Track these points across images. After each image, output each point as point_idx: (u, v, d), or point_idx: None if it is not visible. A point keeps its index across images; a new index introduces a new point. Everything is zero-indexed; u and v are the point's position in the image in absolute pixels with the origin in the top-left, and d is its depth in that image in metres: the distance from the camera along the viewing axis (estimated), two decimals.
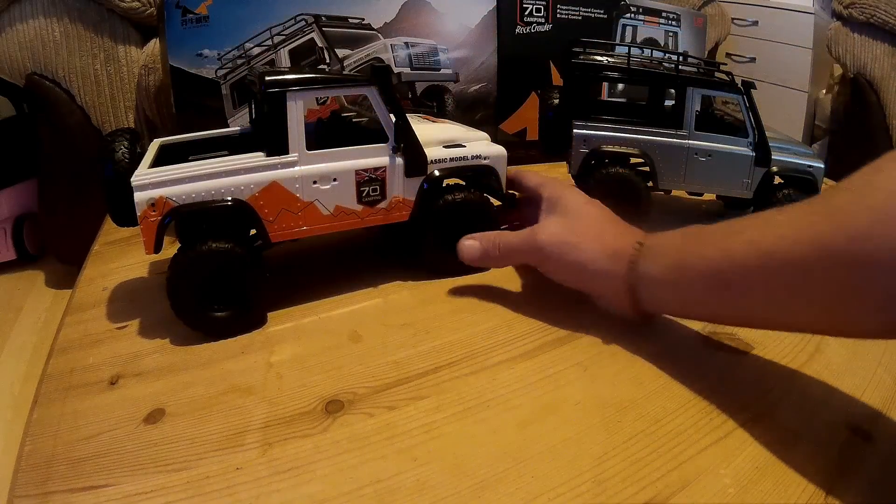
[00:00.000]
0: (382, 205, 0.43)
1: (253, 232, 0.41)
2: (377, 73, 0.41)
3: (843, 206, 0.29)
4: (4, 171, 1.26)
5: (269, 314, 0.42)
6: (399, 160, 0.43)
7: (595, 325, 0.42)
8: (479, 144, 0.47)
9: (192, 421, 0.33)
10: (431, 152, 0.44)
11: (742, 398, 0.35)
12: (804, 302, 0.31)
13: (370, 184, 0.42)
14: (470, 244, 0.45)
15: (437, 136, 0.46)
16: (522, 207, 0.50)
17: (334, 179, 0.41)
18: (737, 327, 0.40)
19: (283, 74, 0.40)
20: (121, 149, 0.40)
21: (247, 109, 0.58)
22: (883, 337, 0.32)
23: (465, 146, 0.46)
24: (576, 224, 0.42)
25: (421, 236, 0.46)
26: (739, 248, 0.33)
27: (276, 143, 0.39)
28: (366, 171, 0.42)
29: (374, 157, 0.42)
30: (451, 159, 0.45)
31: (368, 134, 0.43)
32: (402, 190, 0.44)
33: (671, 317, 0.42)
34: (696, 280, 0.35)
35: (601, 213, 0.43)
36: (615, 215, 0.43)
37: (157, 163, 0.40)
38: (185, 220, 0.39)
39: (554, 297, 0.45)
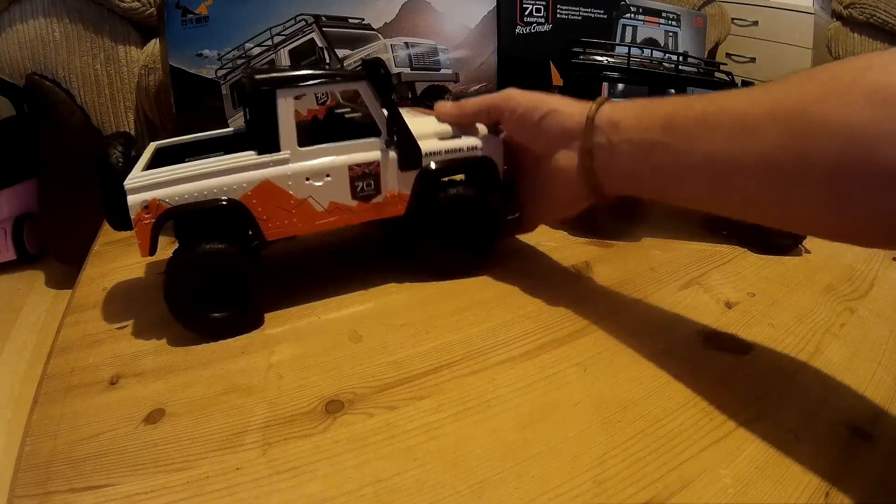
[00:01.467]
0: (377, 199, 0.43)
1: (251, 232, 0.41)
2: (368, 66, 0.41)
3: (797, 79, 0.30)
4: (4, 171, 1.26)
5: (269, 315, 0.42)
6: (393, 154, 0.43)
7: (595, 325, 0.42)
8: (474, 135, 0.47)
9: (192, 421, 0.33)
10: (426, 145, 0.44)
11: (742, 398, 0.35)
12: (750, 167, 0.31)
13: (364, 179, 0.42)
14: (445, 103, 0.47)
15: (433, 129, 0.46)
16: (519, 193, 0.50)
17: (327, 175, 0.41)
18: (686, 206, 0.37)
19: (272, 72, 0.40)
20: (115, 153, 0.40)
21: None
22: (834, 236, 0.31)
23: (460, 137, 0.46)
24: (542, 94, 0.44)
25: (418, 233, 0.46)
26: (698, 102, 0.34)
27: (267, 141, 0.39)
28: (359, 165, 0.42)
29: (367, 151, 0.42)
30: (447, 151, 0.45)
31: (363, 129, 0.43)
32: (397, 184, 0.43)
33: (690, 308, 0.42)
34: (654, 128, 0.36)
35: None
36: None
37: (151, 165, 0.40)
38: (182, 221, 0.39)
39: (554, 297, 0.45)
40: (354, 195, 0.42)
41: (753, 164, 0.31)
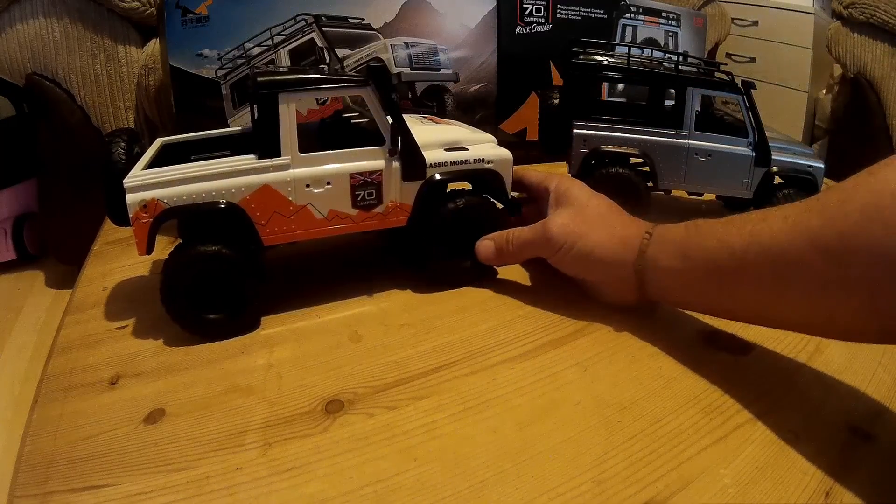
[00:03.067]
0: (378, 209, 0.42)
1: (248, 236, 0.41)
2: (373, 72, 0.41)
3: (835, 204, 0.30)
4: (4, 171, 1.26)
5: (270, 316, 0.42)
6: (396, 163, 0.42)
7: (595, 326, 0.42)
8: (483, 147, 0.46)
9: (192, 421, 0.33)
10: (431, 155, 0.43)
11: (742, 398, 0.35)
12: (796, 296, 0.32)
13: (365, 187, 0.41)
14: (486, 244, 0.46)
15: (439, 139, 0.45)
16: (528, 206, 0.50)
17: (328, 183, 0.40)
18: (735, 321, 0.41)
19: (276, 75, 0.39)
20: (117, 149, 0.40)
21: (247, 109, 0.58)
22: (878, 341, 0.32)
23: (467, 149, 0.45)
24: (585, 214, 0.43)
25: (423, 246, 0.45)
26: (737, 240, 0.34)
27: (268, 146, 0.39)
28: (361, 174, 0.41)
29: (370, 160, 0.41)
30: (452, 163, 0.44)
31: (368, 136, 0.42)
32: (399, 194, 0.43)
33: (673, 308, 0.43)
34: (697, 269, 0.37)
35: (608, 204, 0.44)
36: (620, 207, 0.45)
37: (156, 162, 0.40)
38: (184, 221, 0.39)
39: (554, 297, 0.45)
40: (355, 204, 0.42)
41: (799, 294, 0.32)
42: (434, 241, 0.45)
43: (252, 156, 0.39)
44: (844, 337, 0.34)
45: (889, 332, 0.30)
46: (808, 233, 0.31)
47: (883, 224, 0.28)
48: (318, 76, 0.40)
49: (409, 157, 0.42)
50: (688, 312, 0.44)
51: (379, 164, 0.42)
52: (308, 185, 0.40)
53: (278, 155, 0.39)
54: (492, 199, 0.47)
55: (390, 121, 0.41)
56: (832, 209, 0.30)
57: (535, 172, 0.49)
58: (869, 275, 0.28)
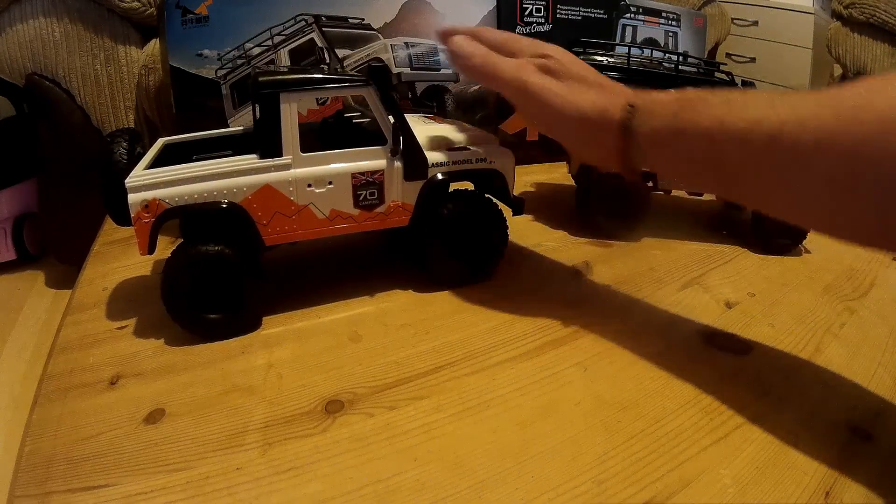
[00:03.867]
0: (380, 209, 0.42)
1: (250, 236, 0.41)
2: (374, 73, 0.41)
3: (850, 108, 0.29)
4: (4, 171, 1.26)
5: (270, 316, 0.42)
6: (398, 163, 0.42)
7: (595, 326, 0.42)
8: (484, 147, 0.46)
9: (192, 421, 0.33)
10: (433, 155, 0.43)
11: (742, 398, 0.35)
12: (799, 190, 0.31)
13: (367, 187, 0.41)
14: (464, 44, 0.42)
15: (441, 138, 0.45)
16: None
17: (330, 183, 0.40)
18: (729, 200, 0.38)
19: (277, 75, 0.39)
20: (119, 149, 0.40)
21: (247, 109, 0.58)
22: (877, 244, 0.31)
23: (469, 149, 0.45)
24: (563, 72, 0.40)
25: (424, 246, 0.45)
26: (740, 124, 0.32)
27: (269, 145, 0.39)
28: (362, 174, 0.41)
29: (372, 159, 0.41)
30: (454, 162, 0.44)
31: (370, 136, 0.42)
32: (401, 194, 0.43)
33: (673, 308, 0.42)
34: (693, 150, 0.34)
35: (586, 68, 0.41)
36: (597, 72, 0.42)
37: (158, 162, 0.40)
38: (186, 221, 0.39)
39: (554, 297, 0.45)
40: (357, 204, 0.42)
41: (801, 189, 0.30)
42: (435, 241, 0.45)
43: (254, 156, 0.39)
44: (839, 235, 0.32)
45: (888, 238, 0.30)
46: (821, 130, 0.29)
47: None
48: (320, 76, 0.40)
49: (411, 156, 0.42)
50: (687, 314, 0.44)
51: (381, 163, 0.42)
52: (310, 185, 0.40)
53: (280, 155, 0.39)
54: (494, 199, 0.47)
55: (392, 120, 0.41)
56: (847, 112, 0.29)
57: (491, 31, 0.45)
58: (879, 182, 0.28)
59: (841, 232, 0.32)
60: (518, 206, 0.47)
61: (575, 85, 0.39)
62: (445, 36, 0.44)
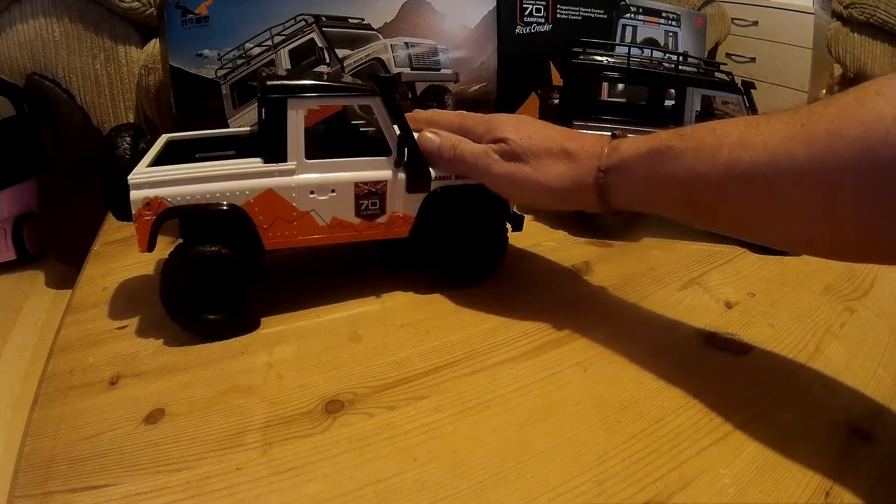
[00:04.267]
0: (381, 219, 0.42)
1: (250, 239, 0.41)
2: (381, 83, 0.40)
3: (823, 137, 0.28)
4: (4, 171, 1.26)
5: (270, 316, 0.42)
6: (401, 175, 0.42)
7: (595, 326, 0.42)
8: None
9: (192, 421, 0.33)
10: (435, 169, 0.43)
11: (742, 398, 0.35)
12: (778, 225, 0.32)
13: (369, 197, 0.41)
14: (431, 137, 0.43)
15: None
16: None
17: (332, 191, 0.40)
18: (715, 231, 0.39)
19: (285, 80, 0.39)
20: (123, 144, 0.40)
21: (247, 109, 0.58)
22: (858, 260, 0.32)
23: None
24: (524, 152, 0.40)
25: (427, 257, 0.45)
26: (712, 172, 0.32)
27: (274, 150, 0.39)
28: (365, 184, 0.41)
29: (375, 170, 0.41)
30: (457, 176, 0.44)
31: (373, 145, 0.42)
32: (402, 205, 0.43)
33: (673, 308, 0.42)
34: (668, 200, 0.35)
35: (545, 135, 0.41)
36: (563, 129, 0.42)
37: (161, 159, 0.40)
38: (186, 221, 0.39)
39: (554, 297, 0.45)
40: (358, 213, 0.42)
41: (781, 224, 0.31)
42: (436, 254, 0.45)
43: (258, 159, 0.39)
44: (820, 255, 0.33)
45: (870, 255, 0.31)
46: (794, 166, 0.29)
47: (874, 162, 0.27)
48: (328, 83, 0.40)
49: (415, 169, 0.42)
50: (687, 314, 0.44)
51: (384, 174, 0.41)
52: (312, 192, 0.40)
53: (284, 160, 0.39)
54: (494, 214, 0.46)
55: (397, 131, 0.41)
56: (819, 142, 0.28)
57: (444, 115, 0.47)
58: (858, 206, 0.28)
59: (822, 252, 0.33)
60: (518, 222, 0.47)
61: (540, 162, 0.40)
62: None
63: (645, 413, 0.34)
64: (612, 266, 0.51)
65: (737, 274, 0.51)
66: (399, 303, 0.44)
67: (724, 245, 0.56)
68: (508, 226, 0.47)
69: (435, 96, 0.68)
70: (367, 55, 0.63)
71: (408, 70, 0.66)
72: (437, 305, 0.44)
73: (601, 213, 0.40)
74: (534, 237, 0.55)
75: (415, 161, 0.42)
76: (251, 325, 0.41)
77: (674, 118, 0.55)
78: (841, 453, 0.32)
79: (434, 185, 0.43)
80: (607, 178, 0.37)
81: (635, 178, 0.36)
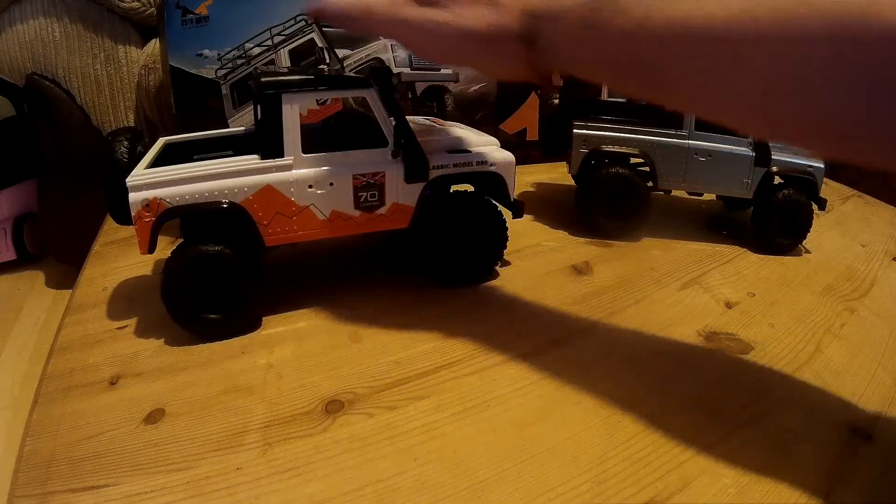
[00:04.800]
0: (381, 211, 0.42)
1: (251, 236, 0.41)
2: (376, 74, 0.41)
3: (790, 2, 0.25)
4: (4, 171, 1.26)
5: (270, 316, 0.42)
6: (399, 165, 0.42)
7: (595, 326, 0.42)
8: (485, 150, 0.46)
9: (192, 421, 0.33)
10: (433, 157, 0.43)
11: (742, 398, 0.35)
12: (736, 89, 0.27)
13: (368, 189, 0.41)
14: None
15: (442, 141, 0.45)
16: None
17: (331, 184, 0.40)
18: (658, 103, 0.33)
19: (280, 76, 0.39)
20: (120, 148, 0.40)
21: (247, 109, 0.58)
22: (826, 149, 0.29)
23: (470, 151, 0.45)
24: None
25: (425, 246, 0.45)
26: (661, 23, 0.28)
27: (271, 146, 0.39)
28: (363, 175, 0.41)
29: (373, 161, 0.41)
30: (455, 165, 0.44)
31: (371, 137, 0.42)
32: (401, 196, 0.43)
33: (673, 308, 0.42)
34: (607, 52, 0.31)
35: None
36: None
37: (159, 161, 0.40)
38: (186, 220, 0.39)
39: (554, 297, 0.45)
40: (357, 205, 0.42)
41: (740, 96, 0.27)
42: (435, 243, 0.45)
43: (255, 156, 0.39)
44: (784, 140, 0.29)
45: (838, 146, 0.27)
46: (756, 29, 0.25)
47: (854, 36, 0.23)
48: (322, 77, 0.40)
49: (412, 158, 0.42)
50: (687, 314, 0.44)
51: (382, 165, 0.42)
52: (310, 186, 0.40)
53: (281, 155, 0.39)
54: (494, 202, 0.46)
55: (393, 122, 0.41)
56: (787, 9, 0.25)
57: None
58: (827, 89, 0.24)
59: (786, 137, 0.29)
60: (518, 209, 0.47)
61: (460, 8, 0.35)
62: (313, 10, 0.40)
63: (645, 413, 0.34)
64: (612, 266, 0.51)
65: (737, 274, 0.51)
66: (399, 303, 0.44)
67: (725, 245, 0.56)
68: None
69: (435, 96, 0.68)
70: (367, 55, 0.63)
71: (408, 70, 0.66)
72: (437, 305, 0.44)
73: (532, 80, 0.35)
74: (534, 237, 0.55)
75: (412, 151, 0.42)
76: (251, 325, 0.41)
77: (674, 118, 0.55)
78: (841, 454, 0.32)
79: (433, 175, 0.43)
80: (535, 24, 0.33)
81: (569, 26, 0.32)
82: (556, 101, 0.58)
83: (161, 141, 0.44)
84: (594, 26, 0.31)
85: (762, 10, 0.25)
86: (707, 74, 0.28)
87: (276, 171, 0.39)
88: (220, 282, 0.39)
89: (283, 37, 0.59)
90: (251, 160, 0.39)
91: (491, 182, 0.46)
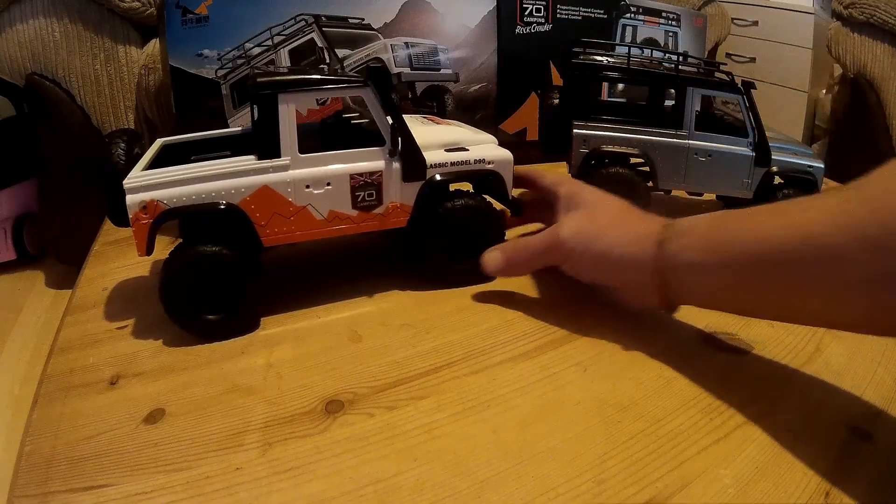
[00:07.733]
0: (379, 210, 0.42)
1: (249, 237, 0.41)
2: (373, 73, 0.40)
3: (878, 195, 0.29)
4: (4, 171, 1.26)
5: (270, 317, 0.42)
6: (396, 164, 0.42)
7: (595, 326, 0.42)
8: (483, 148, 0.46)
9: (192, 421, 0.33)
10: (431, 156, 0.43)
11: (742, 398, 0.35)
12: (839, 292, 0.30)
13: (365, 188, 0.41)
14: (493, 255, 0.44)
15: (440, 139, 0.45)
16: (534, 209, 0.49)
17: (328, 184, 0.40)
18: (764, 319, 0.40)
19: (276, 76, 0.39)
20: (117, 150, 0.40)
21: (246, 109, 0.58)
22: None
23: (468, 150, 0.45)
24: (597, 215, 0.42)
25: (423, 245, 0.45)
26: (774, 231, 0.32)
27: (267, 146, 0.39)
28: (361, 175, 0.41)
29: (370, 160, 0.41)
30: (453, 164, 0.44)
31: (368, 136, 0.42)
32: (399, 195, 0.43)
33: (690, 308, 0.42)
34: (730, 265, 0.34)
35: (621, 203, 0.43)
36: (633, 206, 0.43)
37: (156, 163, 0.40)
38: (185, 221, 0.39)
39: (554, 297, 0.45)
40: (355, 205, 0.42)
41: (842, 290, 0.30)
42: (434, 242, 0.45)
43: (252, 156, 0.39)
44: (884, 333, 0.33)
45: None
46: (852, 225, 0.29)
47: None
48: (318, 77, 0.40)
49: (410, 157, 0.42)
50: (687, 312, 0.44)
51: (379, 164, 0.41)
52: (308, 186, 0.40)
53: (278, 156, 0.39)
54: (492, 200, 0.46)
55: (390, 121, 0.41)
56: (875, 201, 0.29)
57: (546, 173, 0.48)
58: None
59: (883, 330, 0.32)
60: (517, 207, 0.47)
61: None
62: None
63: (645, 413, 0.34)
64: None
65: None
66: (399, 303, 0.44)
67: None
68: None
69: (435, 96, 0.68)
70: (368, 55, 0.63)
71: (408, 70, 0.66)
72: (436, 305, 0.44)
73: (659, 302, 0.39)
74: None
75: (409, 150, 0.42)
76: (251, 325, 0.41)
77: (674, 118, 0.55)
78: (841, 453, 0.32)
79: (430, 174, 0.43)
80: (670, 237, 0.37)
81: (696, 236, 0.36)
82: (556, 101, 0.58)
83: (158, 142, 0.44)
84: (715, 239, 0.35)
85: (858, 213, 0.29)
86: (816, 274, 0.31)
87: (272, 172, 0.39)
88: (218, 282, 0.39)
89: (283, 37, 0.59)
90: (248, 161, 0.39)
91: (489, 180, 0.46)
